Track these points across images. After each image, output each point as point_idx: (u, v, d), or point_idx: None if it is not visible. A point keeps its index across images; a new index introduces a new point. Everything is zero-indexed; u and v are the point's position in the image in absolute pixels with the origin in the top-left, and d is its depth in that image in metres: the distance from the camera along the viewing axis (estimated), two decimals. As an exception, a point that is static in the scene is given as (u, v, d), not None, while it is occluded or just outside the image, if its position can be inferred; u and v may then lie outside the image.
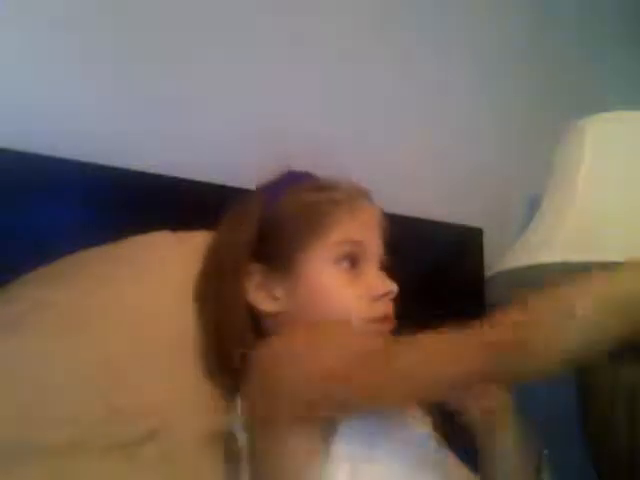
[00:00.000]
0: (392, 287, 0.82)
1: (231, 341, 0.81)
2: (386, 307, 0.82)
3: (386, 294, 0.82)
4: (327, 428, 0.72)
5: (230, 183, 1.04)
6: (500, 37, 1.53)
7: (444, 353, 0.67)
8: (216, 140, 1.13)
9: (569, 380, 1.18)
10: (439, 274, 1.21)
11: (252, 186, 0.93)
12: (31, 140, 0.91)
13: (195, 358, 0.83)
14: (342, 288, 0.81)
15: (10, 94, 0.96)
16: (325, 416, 0.71)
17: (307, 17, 1.26)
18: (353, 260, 0.82)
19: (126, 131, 1.05)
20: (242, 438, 0.74)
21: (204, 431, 0.81)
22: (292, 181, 0.87)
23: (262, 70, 1.20)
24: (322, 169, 0.90)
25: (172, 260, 0.88)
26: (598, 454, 1.16)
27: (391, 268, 0.86)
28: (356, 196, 0.85)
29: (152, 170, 1.00)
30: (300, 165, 0.90)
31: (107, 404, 0.77)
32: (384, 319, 0.82)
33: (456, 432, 0.82)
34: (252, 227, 0.83)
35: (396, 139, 1.35)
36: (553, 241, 1.16)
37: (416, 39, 1.40)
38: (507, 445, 0.81)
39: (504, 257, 1.23)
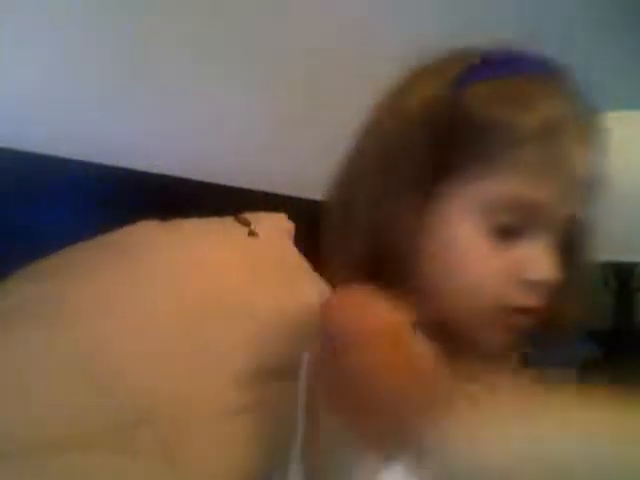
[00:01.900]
0: (546, 275, 0.61)
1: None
2: (529, 297, 0.62)
3: (536, 282, 0.61)
4: None
5: (231, 183, 1.04)
6: (499, 37, 1.53)
7: None
8: (216, 140, 1.14)
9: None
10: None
11: (252, 186, 0.93)
12: (31, 140, 0.91)
13: (191, 333, 0.79)
14: (483, 255, 0.61)
15: (10, 94, 0.96)
16: None
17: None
18: (516, 221, 0.61)
19: (126, 131, 1.05)
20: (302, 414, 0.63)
21: (212, 409, 0.77)
22: (499, 66, 0.67)
23: (262, 70, 1.20)
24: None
25: (158, 246, 0.87)
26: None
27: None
28: (567, 130, 0.62)
29: (152, 170, 1.00)
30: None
31: (96, 388, 0.74)
32: (522, 311, 0.62)
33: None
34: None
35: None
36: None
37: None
38: None
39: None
